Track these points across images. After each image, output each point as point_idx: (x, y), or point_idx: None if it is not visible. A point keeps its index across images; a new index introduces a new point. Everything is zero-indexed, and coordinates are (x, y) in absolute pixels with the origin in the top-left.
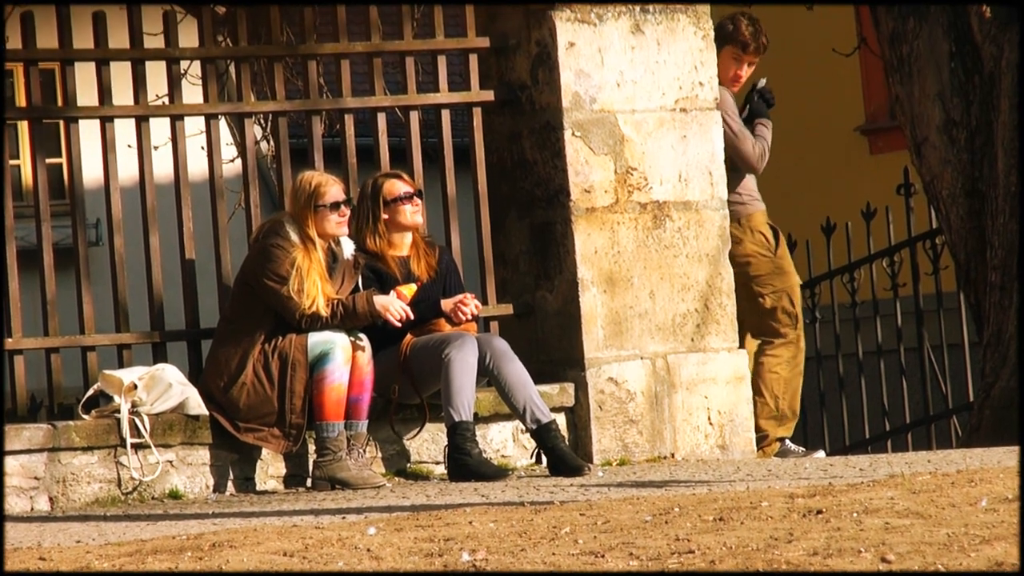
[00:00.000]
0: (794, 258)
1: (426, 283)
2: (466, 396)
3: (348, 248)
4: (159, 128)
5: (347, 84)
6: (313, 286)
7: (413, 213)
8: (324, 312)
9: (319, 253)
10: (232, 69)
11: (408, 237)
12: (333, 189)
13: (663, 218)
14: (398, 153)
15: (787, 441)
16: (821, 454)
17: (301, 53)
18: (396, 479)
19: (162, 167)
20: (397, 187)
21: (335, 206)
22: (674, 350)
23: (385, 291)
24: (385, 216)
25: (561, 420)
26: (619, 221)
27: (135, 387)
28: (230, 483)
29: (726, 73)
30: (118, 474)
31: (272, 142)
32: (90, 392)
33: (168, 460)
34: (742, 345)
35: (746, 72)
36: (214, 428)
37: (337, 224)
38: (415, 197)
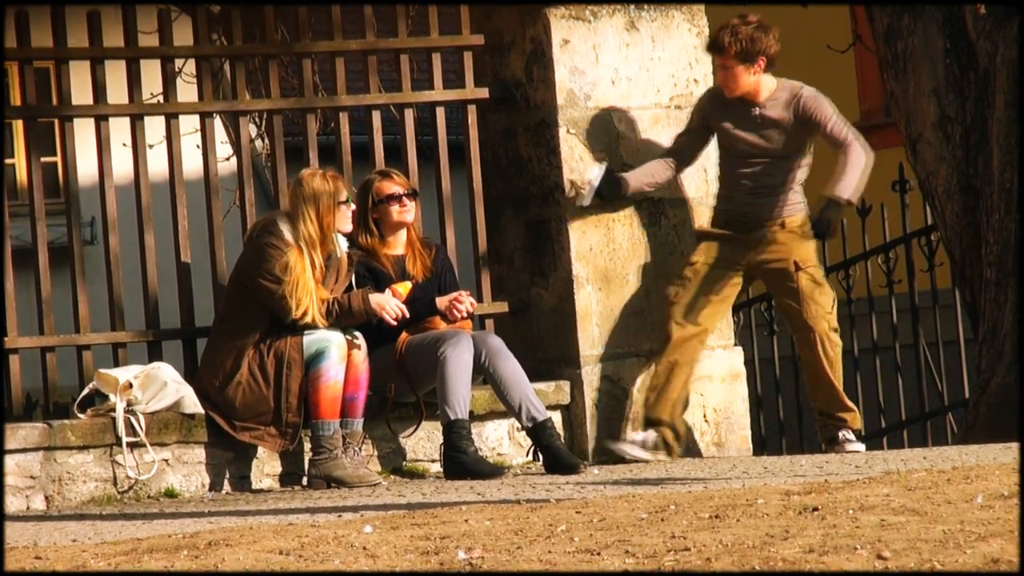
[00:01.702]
0: None
1: (421, 282)
2: (462, 394)
3: (342, 245)
4: (154, 127)
5: (342, 82)
6: (306, 295)
7: (400, 213)
8: (320, 322)
9: (318, 253)
10: (227, 67)
11: (403, 235)
12: (342, 184)
13: (658, 215)
14: (393, 151)
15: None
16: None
17: (296, 51)
18: (392, 477)
19: (157, 166)
20: (386, 187)
21: (347, 202)
22: None
23: (380, 289)
24: (374, 215)
25: (557, 418)
26: (614, 218)
27: (130, 386)
28: (226, 481)
29: None
30: (114, 473)
31: (267, 140)
32: (85, 391)
33: (164, 459)
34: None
35: (721, 75)
36: (210, 426)
37: (348, 220)
38: (404, 198)
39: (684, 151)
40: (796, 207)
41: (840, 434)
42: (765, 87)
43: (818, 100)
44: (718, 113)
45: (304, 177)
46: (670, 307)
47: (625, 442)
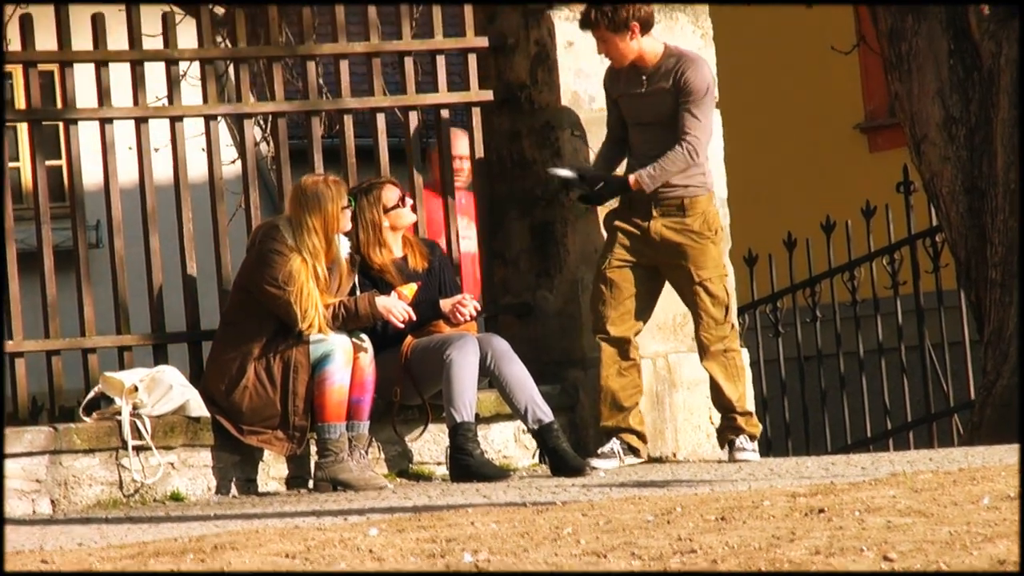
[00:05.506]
0: (794, 256)
1: (424, 284)
2: (468, 397)
3: (344, 247)
4: (158, 129)
5: (346, 84)
6: (312, 305)
7: (409, 212)
8: (326, 330)
9: (322, 263)
10: (231, 70)
11: (400, 237)
12: (344, 188)
13: None
14: (397, 153)
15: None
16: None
17: (300, 54)
18: (398, 480)
19: (162, 169)
20: (391, 193)
21: (349, 204)
22: (675, 349)
23: (381, 292)
24: (383, 224)
25: (562, 420)
26: None
27: (136, 389)
28: (232, 485)
29: None
30: (120, 476)
31: (272, 143)
32: (91, 394)
33: (169, 462)
34: None
35: (602, 48)
36: (215, 430)
37: (348, 220)
38: (405, 197)
39: (616, 130)
40: (696, 187)
41: (737, 440)
42: (651, 52)
43: (696, 72)
44: (615, 85)
45: (306, 186)
46: (600, 321)
47: (594, 457)
